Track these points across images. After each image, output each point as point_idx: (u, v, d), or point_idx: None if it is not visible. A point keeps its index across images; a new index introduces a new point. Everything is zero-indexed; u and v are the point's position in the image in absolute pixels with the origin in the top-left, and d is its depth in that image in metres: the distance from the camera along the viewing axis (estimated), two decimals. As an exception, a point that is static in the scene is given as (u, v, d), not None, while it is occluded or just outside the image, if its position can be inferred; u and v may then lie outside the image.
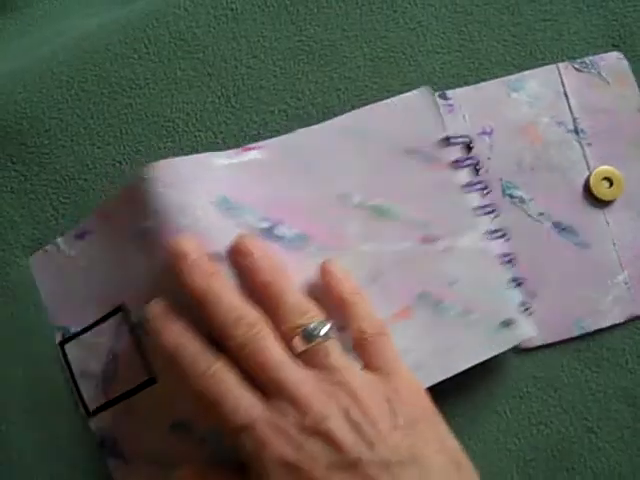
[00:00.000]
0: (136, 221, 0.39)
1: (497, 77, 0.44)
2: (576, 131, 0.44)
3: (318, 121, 0.43)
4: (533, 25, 0.45)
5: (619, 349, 0.43)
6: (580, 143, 0.44)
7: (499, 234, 0.42)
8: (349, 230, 0.41)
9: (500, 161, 0.43)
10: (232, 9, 0.44)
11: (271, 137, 0.43)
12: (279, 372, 0.33)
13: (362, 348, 0.36)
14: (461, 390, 0.41)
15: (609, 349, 0.43)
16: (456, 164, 0.42)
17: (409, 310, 0.40)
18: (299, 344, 0.35)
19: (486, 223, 0.42)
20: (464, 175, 0.42)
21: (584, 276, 0.43)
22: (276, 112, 0.43)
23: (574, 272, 0.43)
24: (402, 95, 0.42)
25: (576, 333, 0.42)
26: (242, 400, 0.33)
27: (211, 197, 0.39)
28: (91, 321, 0.41)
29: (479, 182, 0.42)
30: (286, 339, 0.35)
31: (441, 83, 0.44)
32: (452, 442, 0.35)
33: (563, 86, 0.44)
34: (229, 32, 0.44)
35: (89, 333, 0.41)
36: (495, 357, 0.40)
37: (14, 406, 0.41)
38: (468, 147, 0.42)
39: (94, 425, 0.41)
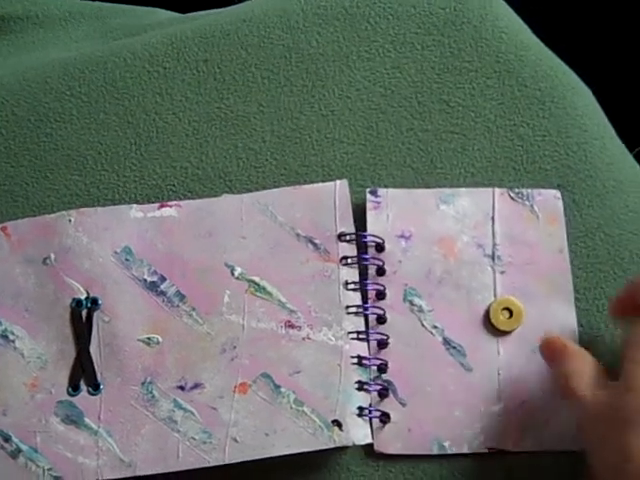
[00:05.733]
0: (40, 248, 0.44)
1: (392, 177, 0.46)
2: (493, 257, 0.44)
3: (213, 183, 0.46)
4: (440, 134, 0.46)
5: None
6: (493, 269, 0.44)
7: (362, 337, 0.43)
8: (223, 298, 0.43)
9: (410, 267, 0.44)
10: (165, 67, 0.48)
11: (167, 190, 0.46)
12: None
13: None
14: None
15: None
16: (345, 260, 0.43)
17: (247, 386, 0.42)
18: None
19: (355, 323, 0.43)
20: (351, 273, 0.43)
21: (460, 398, 0.42)
22: (177, 168, 0.46)
23: (451, 391, 0.43)
24: (320, 184, 0.45)
25: (434, 452, 0.42)
26: None
27: (117, 247, 0.44)
28: None
29: (371, 283, 0.43)
30: None
31: (338, 172, 0.46)
32: None
33: (493, 210, 0.45)
34: (157, 87, 0.48)
35: None
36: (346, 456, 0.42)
37: None
38: (381, 247, 0.44)
39: None
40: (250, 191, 0.45)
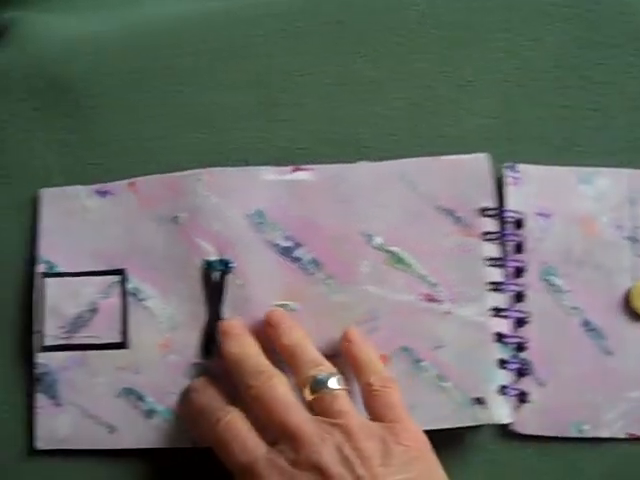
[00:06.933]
0: (169, 207, 0.43)
1: (529, 152, 0.45)
2: (632, 239, 0.43)
3: (343, 149, 0.45)
4: (579, 111, 0.45)
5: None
6: (633, 252, 0.43)
7: (502, 314, 0.42)
8: (361, 268, 0.42)
9: (549, 245, 0.43)
10: (298, 26, 0.46)
11: (296, 154, 0.45)
12: (283, 415, 0.37)
13: (369, 400, 0.39)
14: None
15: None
16: (486, 236, 0.42)
17: (387, 359, 0.41)
18: (308, 393, 0.38)
19: (496, 300, 0.42)
20: (492, 248, 0.42)
21: (599, 381, 0.42)
22: (306, 132, 0.45)
23: (590, 374, 0.42)
24: (460, 156, 0.43)
25: (573, 434, 0.41)
26: (247, 442, 0.37)
27: (249, 209, 0.43)
28: (84, 270, 0.43)
29: (510, 260, 0.42)
30: (300, 390, 0.38)
31: (474, 145, 0.44)
32: None
33: (631, 192, 0.44)
34: (286, 46, 0.46)
35: (78, 278, 0.43)
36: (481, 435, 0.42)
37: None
38: (519, 224, 0.43)
39: (40, 360, 0.42)
40: (383, 159, 0.44)
